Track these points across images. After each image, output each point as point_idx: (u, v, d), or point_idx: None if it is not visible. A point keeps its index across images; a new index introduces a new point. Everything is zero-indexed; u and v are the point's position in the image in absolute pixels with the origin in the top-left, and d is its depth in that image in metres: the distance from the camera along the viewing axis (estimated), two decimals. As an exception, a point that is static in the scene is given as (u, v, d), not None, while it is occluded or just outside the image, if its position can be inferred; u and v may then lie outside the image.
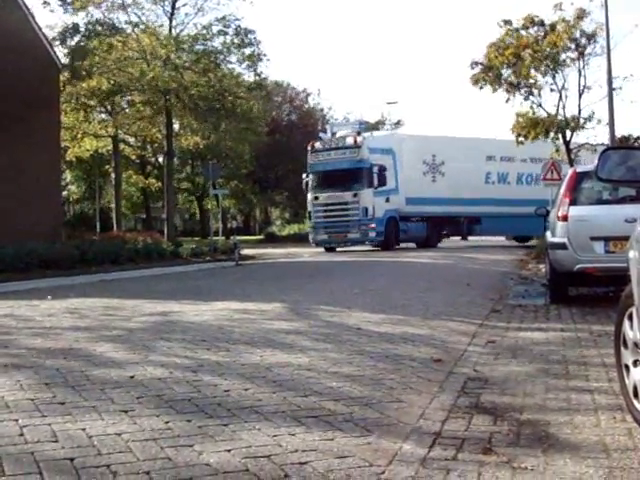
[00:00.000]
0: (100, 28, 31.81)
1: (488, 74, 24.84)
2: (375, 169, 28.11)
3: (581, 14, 22.96)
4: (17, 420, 3.80)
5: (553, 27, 23.63)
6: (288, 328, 7.09)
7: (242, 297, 10.31)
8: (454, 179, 30.46)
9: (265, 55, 35.08)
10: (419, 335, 6.65)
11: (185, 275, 16.45)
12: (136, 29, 32.23)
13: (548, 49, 23.57)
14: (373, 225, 27.83)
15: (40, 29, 22.85)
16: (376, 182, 27.97)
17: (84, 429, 3.63)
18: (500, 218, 30.99)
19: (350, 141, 28.67)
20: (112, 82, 31.12)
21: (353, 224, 28.02)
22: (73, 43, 31.68)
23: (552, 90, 24.63)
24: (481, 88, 25.09)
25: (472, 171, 31.33)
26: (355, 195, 27.89)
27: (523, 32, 24.39)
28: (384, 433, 3.57)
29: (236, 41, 32.47)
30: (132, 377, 4.85)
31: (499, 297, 10.12)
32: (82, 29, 31.92)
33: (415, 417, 3.85)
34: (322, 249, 29.68)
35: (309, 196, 29.51)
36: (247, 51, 32.87)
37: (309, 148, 29.97)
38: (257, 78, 34.01)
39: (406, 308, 8.68)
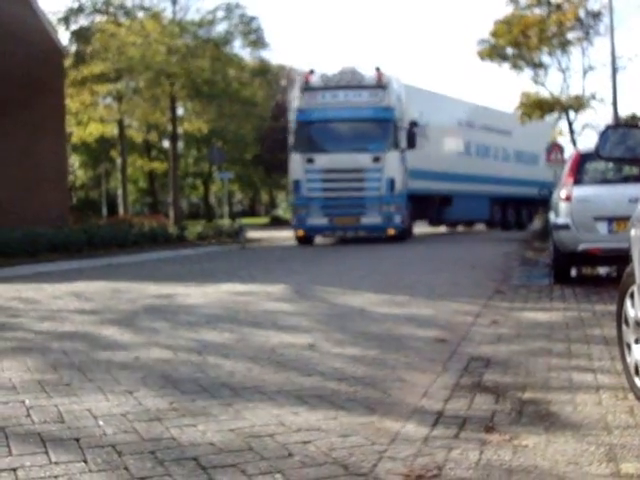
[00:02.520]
0: (104, 8, 31.76)
1: (494, 50, 24.85)
2: (406, 123, 20.62)
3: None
4: (24, 401, 3.84)
5: (559, 6, 23.53)
6: (292, 309, 7.12)
7: (247, 279, 10.34)
8: (435, 148, 24.35)
9: (268, 44, 34.99)
10: (423, 316, 6.67)
11: (190, 258, 16.48)
12: (140, 13, 32.19)
13: (555, 28, 23.49)
14: (398, 205, 19.78)
15: (43, 14, 22.79)
16: (405, 143, 20.38)
17: (90, 409, 3.67)
18: (475, 199, 26.48)
19: (371, 79, 20.08)
20: (115, 67, 31.09)
21: (372, 203, 19.41)
22: (77, 27, 31.66)
23: (557, 70, 24.60)
24: (490, 59, 25.25)
25: (451, 139, 26.43)
26: (377, 160, 19.32)
27: (528, 13, 24.32)
28: (387, 412, 3.60)
29: (240, 28, 32.42)
30: (137, 358, 4.89)
31: (503, 278, 10.13)
32: (86, 10, 31.88)
33: (418, 396, 3.87)
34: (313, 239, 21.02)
35: (296, 158, 20.11)
36: (251, 37, 32.85)
37: (300, 85, 21.01)
38: (260, 63, 33.93)
39: (411, 289, 8.70)
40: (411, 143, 20.40)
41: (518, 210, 30.56)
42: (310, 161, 19.69)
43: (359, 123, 19.96)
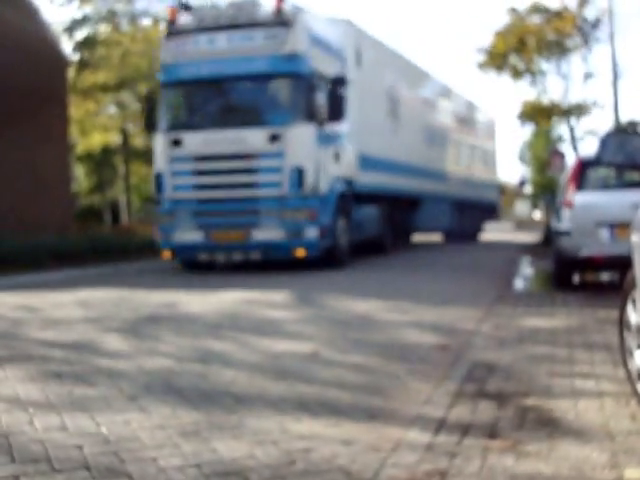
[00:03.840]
0: (109, 16, 31.84)
1: (495, 60, 24.95)
2: (324, 82, 12.94)
3: (583, 1, 23.00)
4: (27, 409, 3.84)
5: (558, 14, 23.63)
6: (295, 316, 7.12)
7: (249, 286, 10.34)
8: (404, 130, 18.31)
9: None
10: (426, 321, 6.67)
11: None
12: (145, 20, 32.25)
13: (553, 35, 23.59)
14: (313, 210, 12.48)
15: (47, 24, 22.88)
16: (324, 112, 12.77)
17: (93, 418, 3.67)
18: (440, 203, 21.41)
19: (267, 13, 12.90)
20: (119, 75, 31.14)
21: (269, 207, 12.50)
22: (81, 37, 31.75)
23: (557, 76, 24.71)
24: (487, 73, 25.32)
25: (420, 122, 20.30)
26: (275, 139, 12.38)
27: (527, 20, 24.44)
28: (389, 419, 3.60)
29: None
30: (140, 367, 4.89)
31: (505, 284, 10.13)
32: (91, 20, 31.96)
33: (420, 403, 3.87)
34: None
35: (158, 141, 13.41)
36: None
37: (165, 27, 14.51)
38: None
39: (414, 296, 8.69)
40: (335, 114, 12.71)
41: (472, 217, 25.45)
42: (176, 144, 12.81)
43: (248, 82, 12.91)
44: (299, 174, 12.37)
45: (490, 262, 14.99)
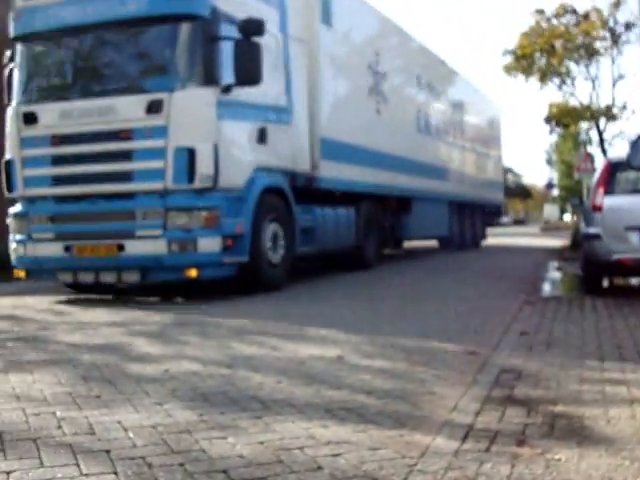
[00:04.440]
0: None
1: (521, 62, 24.74)
2: (233, 30, 9.24)
3: (617, 2, 22.77)
4: (55, 413, 3.87)
5: (586, 16, 23.42)
6: (321, 321, 7.10)
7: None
8: (398, 117, 15.70)
9: None
10: (452, 327, 6.62)
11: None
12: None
13: (581, 37, 23.40)
14: (212, 212, 8.92)
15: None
16: (226, 71, 9.12)
17: (120, 421, 3.68)
18: (435, 205, 18.20)
19: None
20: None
21: (146, 206, 9.01)
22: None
23: (585, 79, 24.49)
24: (514, 77, 25.01)
25: (412, 105, 16.98)
26: (154, 107, 8.88)
27: (555, 21, 24.24)
28: (416, 425, 3.57)
29: None
30: (167, 371, 4.91)
31: (533, 289, 10.04)
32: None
33: (448, 409, 3.84)
34: None
35: (9, 116, 9.87)
36: None
37: None
38: None
39: (439, 300, 8.65)
40: (249, 72, 9.12)
41: (473, 221, 22.52)
42: (28, 121, 9.54)
43: (122, 30, 9.38)
44: (188, 158, 8.69)
45: (516, 267, 14.87)
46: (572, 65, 24.57)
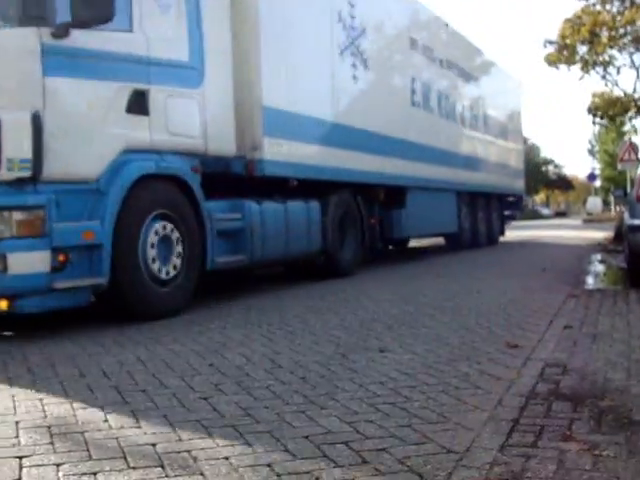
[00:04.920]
0: None
1: (563, 53, 24.35)
2: None
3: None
4: (102, 407, 3.92)
5: (633, 2, 22.96)
6: (362, 315, 7.09)
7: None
8: (384, 86, 12.83)
9: None
10: (495, 321, 6.57)
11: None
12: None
13: (629, 27, 22.96)
14: (35, 212, 6.00)
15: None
16: (61, 4, 6.20)
17: (165, 415, 3.72)
18: (438, 196, 15.16)
19: None
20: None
21: None
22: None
23: (630, 67, 24.04)
24: (556, 67, 24.56)
25: (402, 75, 13.65)
26: None
27: (599, 7, 23.80)
28: (461, 419, 3.55)
29: None
30: (211, 365, 4.94)
31: (576, 282, 9.92)
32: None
33: (493, 403, 3.81)
34: None
35: None
36: None
37: None
38: None
39: (481, 294, 8.58)
40: (92, 3, 6.24)
41: (488, 214, 19.41)
42: None
43: None
44: None
45: (559, 260, 14.70)
46: (616, 53, 24.13)
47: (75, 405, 3.97)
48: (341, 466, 2.97)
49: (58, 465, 3.04)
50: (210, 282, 9.00)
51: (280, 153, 9.11)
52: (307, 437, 3.33)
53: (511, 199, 21.87)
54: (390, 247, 16.17)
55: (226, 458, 3.07)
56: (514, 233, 25.09)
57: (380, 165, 12.14)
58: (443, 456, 3.05)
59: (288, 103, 9.36)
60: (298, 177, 9.64)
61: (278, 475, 2.88)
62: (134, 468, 2.98)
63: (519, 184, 22.34)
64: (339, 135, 10.78)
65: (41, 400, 4.10)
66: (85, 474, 2.93)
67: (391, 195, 12.84)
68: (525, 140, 77.78)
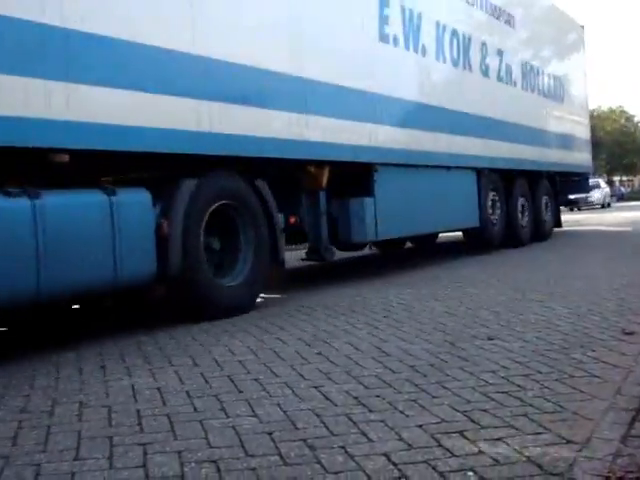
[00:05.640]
0: None
1: None
2: None
3: None
4: (217, 395, 4.02)
5: None
6: (468, 302, 7.00)
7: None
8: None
9: None
10: (607, 307, 6.37)
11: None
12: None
13: None
14: None
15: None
16: None
17: (278, 404, 3.78)
18: (440, 176, 11.09)
19: None
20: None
21: None
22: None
23: None
24: None
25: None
26: None
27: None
28: (579, 409, 3.46)
29: None
30: (319, 353, 4.99)
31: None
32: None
33: (611, 392, 3.70)
34: None
35: None
36: None
37: None
38: None
39: (590, 280, 8.34)
40: None
41: (534, 199, 14.89)
42: None
43: None
44: None
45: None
46: None
47: (192, 393, 4.09)
48: (457, 456, 2.94)
49: (179, 452, 3.13)
50: (316, 271, 9.08)
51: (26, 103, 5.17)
52: (421, 426, 3.32)
53: (573, 179, 17.79)
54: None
55: (342, 447, 3.10)
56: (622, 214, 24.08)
57: (303, 130, 7.91)
58: (562, 447, 2.98)
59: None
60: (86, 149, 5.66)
61: (395, 464, 2.88)
62: (252, 456, 3.05)
63: (583, 159, 17.97)
64: (199, 71, 6.65)
65: (159, 389, 4.24)
66: (205, 461, 3.01)
67: (348, 178, 9.10)
68: (630, 117, 74.58)
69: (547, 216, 15.66)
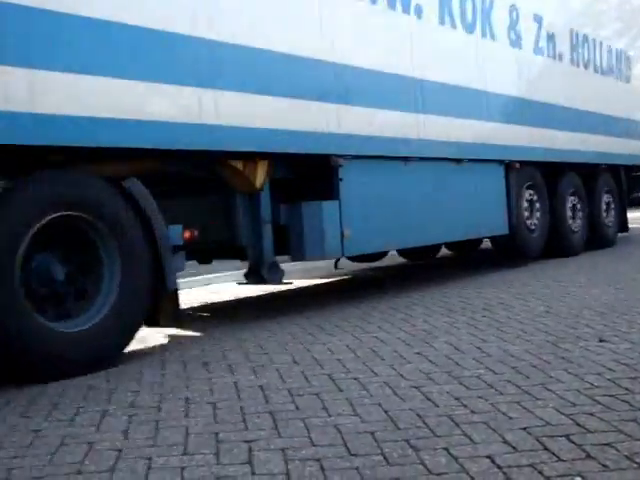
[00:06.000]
0: None
1: None
2: None
3: None
4: (318, 394, 4.07)
5: None
6: (569, 301, 6.84)
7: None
8: None
9: None
10: None
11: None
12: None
13: None
14: None
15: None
16: None
17: (379, 404, 3.80)
18: (452, 172, 8.73)
19: None
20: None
21: None
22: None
23: None
24: None
25: None
26: None
27: None
28: (691, 414, 3.34)
29: None
30: (418, 353, 4.98)
31: None
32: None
33: None
34: None
35: None
36: None
37: None
38: None
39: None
40: None
41: (588, 200, 12.40)
42: None
43: None
44: None
45: None
46: None
47: (293, 392, 4.15)
48: (564, 460, 2.88)
49: (283, 450, 3.19)
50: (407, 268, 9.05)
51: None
52: (525, 429, 3.27)
53: (636, 173, 14.81)
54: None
55: (445, 448, 3.09)
56: None
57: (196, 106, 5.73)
58: (675, 452, 2.89)
59: None
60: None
61: (499, 467, 2.85)
62: (355, 455, 3.07)
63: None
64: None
65: (261, 387, 4.32)
66: (309, 459, 3.06)
67: (304, 175, 7.23)
68: None
69: (609, 218, 13.17)
